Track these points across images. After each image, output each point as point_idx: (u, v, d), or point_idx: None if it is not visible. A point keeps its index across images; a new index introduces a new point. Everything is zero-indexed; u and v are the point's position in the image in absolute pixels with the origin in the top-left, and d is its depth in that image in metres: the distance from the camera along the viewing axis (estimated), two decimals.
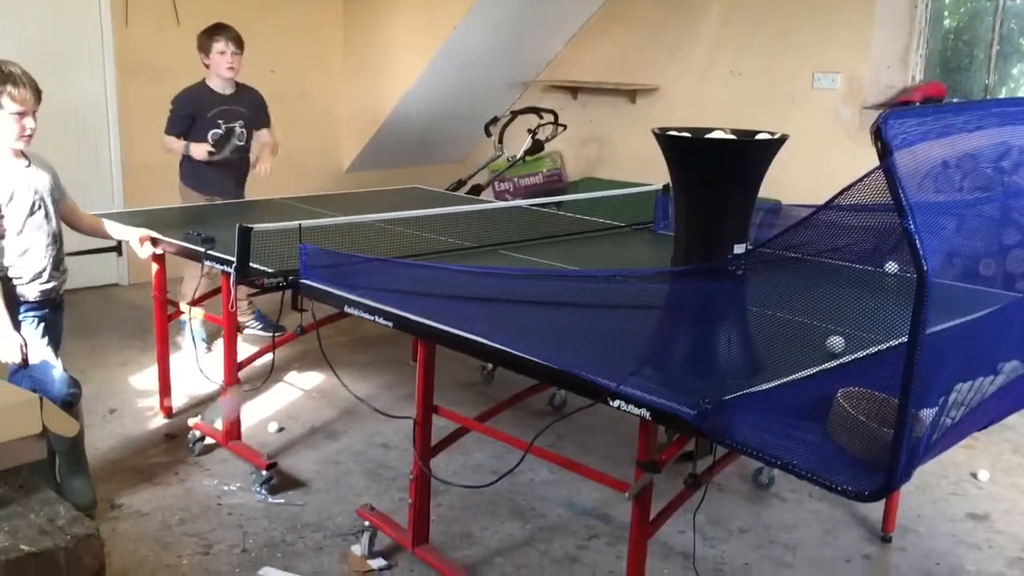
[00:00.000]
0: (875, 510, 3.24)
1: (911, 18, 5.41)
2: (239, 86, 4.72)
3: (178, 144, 4.58)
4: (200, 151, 4.52)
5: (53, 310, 3.13)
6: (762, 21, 5.71)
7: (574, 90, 6.74)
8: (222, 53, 4.56)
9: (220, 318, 3.59)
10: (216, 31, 4.59)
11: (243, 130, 4.69)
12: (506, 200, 6.26)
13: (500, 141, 6.21)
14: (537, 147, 6.13)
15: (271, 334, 4.88)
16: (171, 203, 4.70)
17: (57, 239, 3.09)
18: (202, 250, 3.32)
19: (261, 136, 4.81)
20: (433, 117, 6.81)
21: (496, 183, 6.59)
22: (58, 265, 3.10)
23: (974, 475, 3.69)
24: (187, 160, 4.66)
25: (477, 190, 6.19)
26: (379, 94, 6.72)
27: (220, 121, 4.62)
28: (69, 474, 3.12)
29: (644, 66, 6.34)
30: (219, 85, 4.65)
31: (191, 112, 4.63)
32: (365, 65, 6.82)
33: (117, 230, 3.47)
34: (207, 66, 4.63)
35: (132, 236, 3.47)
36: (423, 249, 3.37)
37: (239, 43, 4.61)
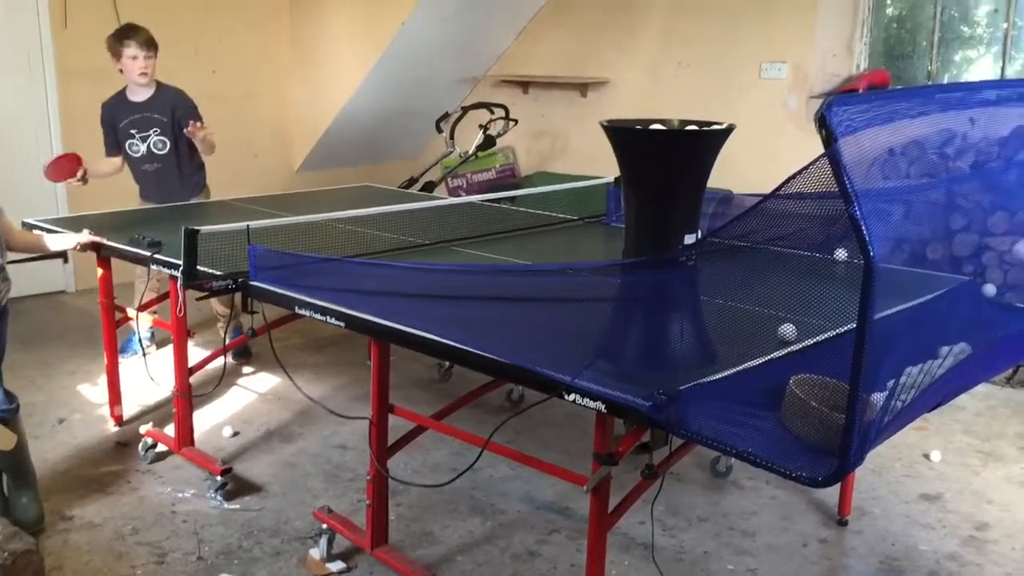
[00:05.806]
0: (831, 494, 3.28)
1: (854, 7, 5.48)
2: (158, 89, 4.47)
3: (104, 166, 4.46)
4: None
5: None
6: (709, 13, 5.75)
7: (525, 84, 6.73)
8: (134, 58, 4.31)
9: (169, 323, 3.52)
10: (125, 35, 4.33)
11: (160, 138, 4.45)
12: (459, 196, 6.24)
13: (451, 137, 6.20)
14: (489, 142, 6.12)
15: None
16: (117, 208, 4.60)
17: None
18: (148, 254, 3.25)
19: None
20: (384, 114, 6.76)
21: (449, 179, 6.57)
22: None
23: (927, 456, 3.74)
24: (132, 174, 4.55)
25: (430, 187, 6.16)
26: (328, 92, 6.65)
27: (133, 132, 4.43)
28: (15, 489, 3.04)
29: (594, 59, 6.35)
30: (134, 92, 4.44)
31: (111, 125, 4.46)
32: (313, 62, 6.75)
33: (55, 241, 3.40)
34: (121, 71, 4.41)
35: (69, 245, 3.40)
36: (375, 247, 3.33)
37: (151, 45, 4.35)
